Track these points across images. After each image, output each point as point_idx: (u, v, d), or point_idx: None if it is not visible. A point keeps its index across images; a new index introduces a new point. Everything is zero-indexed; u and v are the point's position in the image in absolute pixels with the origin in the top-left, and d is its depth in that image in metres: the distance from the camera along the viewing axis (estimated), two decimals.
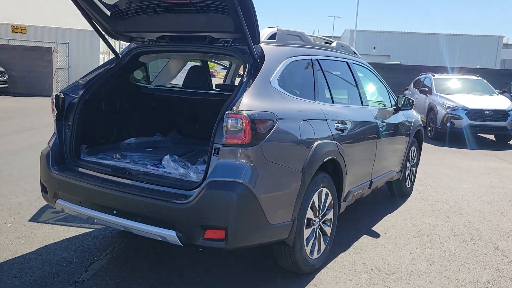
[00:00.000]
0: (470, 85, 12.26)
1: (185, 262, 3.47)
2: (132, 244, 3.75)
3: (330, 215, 3.52)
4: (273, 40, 3.33)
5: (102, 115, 3.72)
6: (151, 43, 3.56)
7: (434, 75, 12.61)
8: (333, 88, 3.84)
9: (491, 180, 6.92)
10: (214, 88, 4.51)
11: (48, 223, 4.10)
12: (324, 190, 3.36)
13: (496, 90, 12.49)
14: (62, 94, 3.36)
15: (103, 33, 3.61)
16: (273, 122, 2.81)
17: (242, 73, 3.32)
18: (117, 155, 3.57)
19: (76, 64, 17.94)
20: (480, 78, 12.75)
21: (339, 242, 3.90)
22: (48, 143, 3.40)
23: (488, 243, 4.20)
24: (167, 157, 3.34)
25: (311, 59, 3.64)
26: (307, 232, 3.21)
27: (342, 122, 3.65)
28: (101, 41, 17.60)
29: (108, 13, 3.40)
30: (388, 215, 4.91)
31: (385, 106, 4.93)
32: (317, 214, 3.34)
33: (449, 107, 10.75)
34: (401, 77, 17.63)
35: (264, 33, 3.29)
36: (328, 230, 3.51)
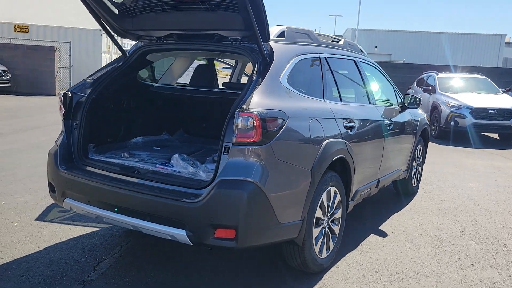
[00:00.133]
0: (473, 84, 12.22)
1: (193, 262, 3.46)
2: (139, 243, 3.74)
3: (339, 214, 3.50)
4: (282, 38, 3.31)
5: (110, 114, 3.71)
6: (158, 41, 3.54)
7: (437, 74, 12.57)
8: (341, 87, 3.82)
9: (496, 179, 6.89)
10: (221, 86, 4.50)
11: (54, 222, 4.09)
12: (333, 189, 3.34)
13: (500, 89, 12.44)
14: (69, 93, 3.34)
15: (111, 31, 3.59)
16: (283, 121, 2.79)
17: (248, 71, 3.30)
18: (125, 154, 3.56)
19: (78, 63, 17.93)
20: (483, 76, 12.71)
21: (347, 242, 3.88)
22: (56, 142, 3.38)
23: (496, 242, 4.18)
24: (176, 155, 3.33)
25: (320, 57, 3.62)
26: (316, 231, 3.19)
27: (351, 121, 3.63)
28: (104, 40, 17.57)
29: (116, 11, 3.38)
30: (395, 214, 4.89)
31: (392, 105, 4.91)
32: (326, 213, 3.32)
33: (453, 106, 10.71)
34: (404, 76, 17.56)
35: (273, 31, 3.27)
36: (336, 229, 3.49)
